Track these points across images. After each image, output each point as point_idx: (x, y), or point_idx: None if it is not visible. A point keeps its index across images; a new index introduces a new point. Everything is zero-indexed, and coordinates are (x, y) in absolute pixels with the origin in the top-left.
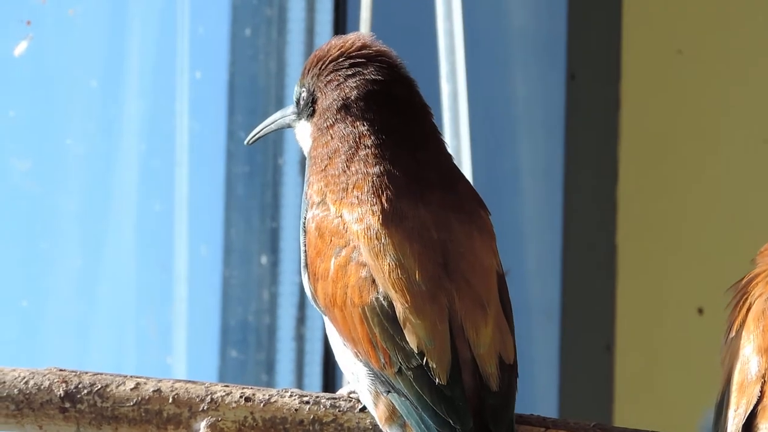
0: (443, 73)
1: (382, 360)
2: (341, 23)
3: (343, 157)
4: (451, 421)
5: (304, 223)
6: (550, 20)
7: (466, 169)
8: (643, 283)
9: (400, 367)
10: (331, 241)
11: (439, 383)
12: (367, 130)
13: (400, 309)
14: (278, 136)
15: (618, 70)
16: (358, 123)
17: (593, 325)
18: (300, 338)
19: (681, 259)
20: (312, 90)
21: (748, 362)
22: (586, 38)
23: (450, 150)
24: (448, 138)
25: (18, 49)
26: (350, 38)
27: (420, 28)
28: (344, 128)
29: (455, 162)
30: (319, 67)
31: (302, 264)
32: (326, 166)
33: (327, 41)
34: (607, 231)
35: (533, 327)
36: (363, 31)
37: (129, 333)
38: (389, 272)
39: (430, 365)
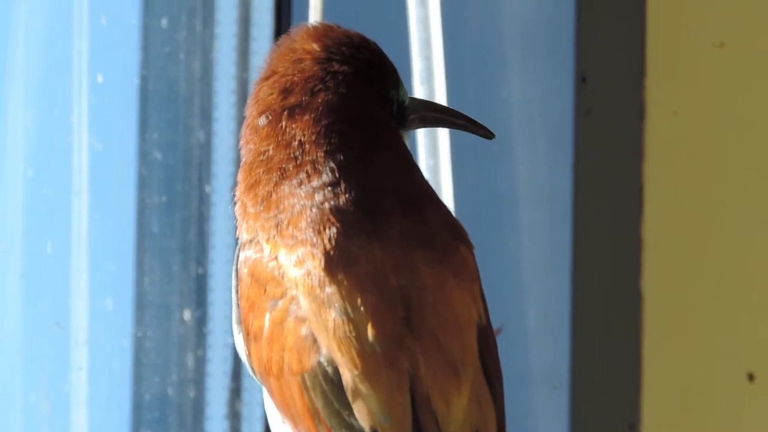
0: (416, 73)
1: None
2: (285, 11)
3: (266, 188)
4: None
5: (236, 268)
6: (555, 8)
7: (447, 198)
8: (676, 342)
9: None
10: (265, 290)
11: None
12: (288, 154)
13: (348, 376)
14: (205, 156)
15: (641, 69)
16: (271, 142)
17: (612, 398)
18: (235, 416)
19: (726, 312)
20: None
21: None
22: (600, 30)
23: (425, 171)
24: (422, 155)
25: None
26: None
27: (386, 15)
28: (257, 153)
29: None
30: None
31: (234, 319)
32: (249, 200)
33: None
34: (629, 275)
35: (534, 399)
36: (312, 20)
37: (14, 411)
38: (334, 330)
39: None
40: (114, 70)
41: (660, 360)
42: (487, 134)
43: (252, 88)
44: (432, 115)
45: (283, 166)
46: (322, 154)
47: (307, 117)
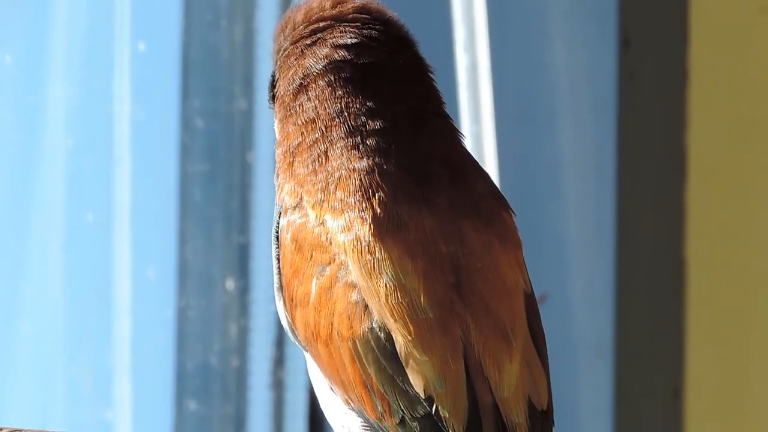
0: (459, 40)
1: (380, 408)
2: None
3: (311, 151)
4: None
5: (277, 234)
6: None
7: (490, 165)
8: (720, 309)
9: (402, 416)
10: (311, 256)
11: None
12: (337, 113)
13: (401, 342)
14: (247, 125)
15: (684, 34)
16: (322, 106)
17: (656, 365)
18: (278, 385)
19: None
20: (274, 69)
21: None
22: None
23: (468, 138)
24: (466, 123)
25: None
26: None
27: None
28: (306, 115)
29: (473, 153)
30: (282, 38)
31: (276, 286)
32: (292, 163)
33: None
34: (673, 243)
35: (580, 366)
36: None
37: (57, 381)
38: (386, 295)
39: (440, 413)
40: (156, 38)
41: (703, 327)
42: None
43: (291, 46)
44: None
45: (329, 129)
46: (371, 118)
47: (353, 79)
